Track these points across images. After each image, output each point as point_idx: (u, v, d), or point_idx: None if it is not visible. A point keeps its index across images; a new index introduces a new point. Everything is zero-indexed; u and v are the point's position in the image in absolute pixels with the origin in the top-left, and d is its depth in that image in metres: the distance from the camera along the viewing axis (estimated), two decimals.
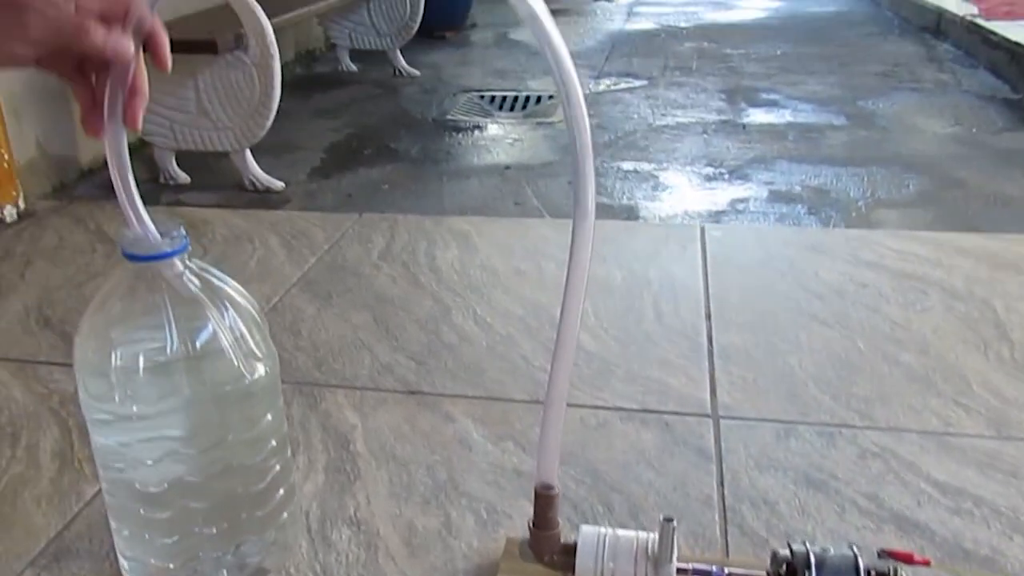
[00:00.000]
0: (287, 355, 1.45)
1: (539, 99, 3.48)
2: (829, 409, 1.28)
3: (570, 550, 0.90)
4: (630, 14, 5.88)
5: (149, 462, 0.88)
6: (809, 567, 0.83)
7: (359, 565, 0.99)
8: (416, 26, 3.91)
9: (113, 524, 0.93)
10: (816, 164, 2.62)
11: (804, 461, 1.16)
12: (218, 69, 2.34)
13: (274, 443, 0.95)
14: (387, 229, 1.99)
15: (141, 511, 0.89)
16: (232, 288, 0.90)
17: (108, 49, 0.69)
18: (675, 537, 0.86)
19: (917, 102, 3.32)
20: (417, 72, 4.00)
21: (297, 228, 2.00)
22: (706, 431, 1.23)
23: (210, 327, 0.86)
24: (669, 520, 0.85)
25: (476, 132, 3.11)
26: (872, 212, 2.22)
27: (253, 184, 2.45)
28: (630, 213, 2.29)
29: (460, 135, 3.07)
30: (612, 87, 3.72)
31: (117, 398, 0.84)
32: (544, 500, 0.90)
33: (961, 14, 4.30)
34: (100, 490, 1.05)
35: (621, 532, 0.91)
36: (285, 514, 0.98)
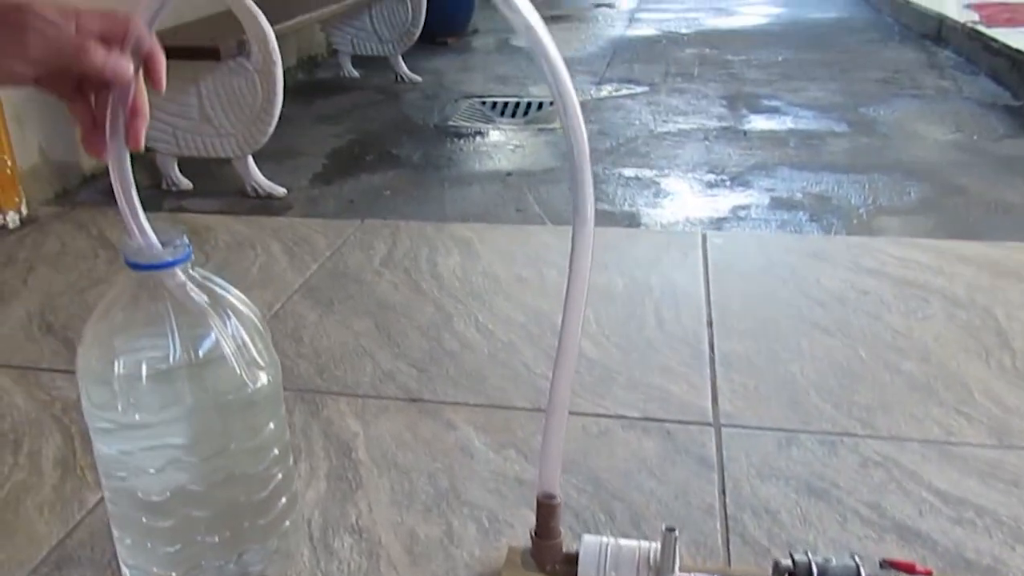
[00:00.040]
0: (289, 362, 1.45)
1: (540, 105, 3.48)
2: (831, 417, 1.28)
3: (572, 560, 0.90)
4: (631, 20, 5.89)
5: (152, 471, 0.88)
6: None
7: (361, 573, 1.00)
8: (418, 32, 3.92)
9: (115, 532, 0.93)
10: (817, 171, 2.62)
11: (806, 470, 1.16)
12: (221, 75, 2.35)
13: (276, 451, 0.95)
14: (389, 236, 1.99)
15: (143, 520, 0.89)
16: (234, 296, 0.90)
17: (108, 70, 0.69)
18: (677, 547, 0.86)
19: (918, 109, 3.32)
20: (419, 78, 4.00)
21: (299, 234, 2.01)
22: (708, 439, 1.23)
23: (213, 336, 0.86)
24: (671, 530, 0.85)
25: (478, 138, 3.11)
26: (873, 219, 2.22)
27: (255, 190, 2.45)
28: (632, 220, 2.29)
29: (462, 141, 3.08)
30: (614, 93, 3.72)
31: (120, 407, 0.84)
32: (546, 509, 0.90)
33: (962, 21, 4.31)
34: (102, 498, 1.05)
35: (623, 542, 0.91)
36: (287, 522, 0.98)
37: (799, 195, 2.42)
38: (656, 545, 0.88)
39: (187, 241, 0.84)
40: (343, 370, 1.44)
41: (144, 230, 0.80)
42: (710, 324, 1.56)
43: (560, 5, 6.79)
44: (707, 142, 2.97)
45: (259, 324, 0.91)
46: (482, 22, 5.52)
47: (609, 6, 6.67)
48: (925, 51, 4.42)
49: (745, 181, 2.56)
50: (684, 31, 5.34)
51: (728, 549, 1.03)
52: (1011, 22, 4.17)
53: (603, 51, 4.71)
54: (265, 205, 2.41)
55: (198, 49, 2.25)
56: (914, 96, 3.52)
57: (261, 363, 0.90)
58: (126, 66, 0.71)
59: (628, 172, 2.68)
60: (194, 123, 2.41)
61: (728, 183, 2.55)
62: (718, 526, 1.06)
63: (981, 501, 1.09)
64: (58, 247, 1.95)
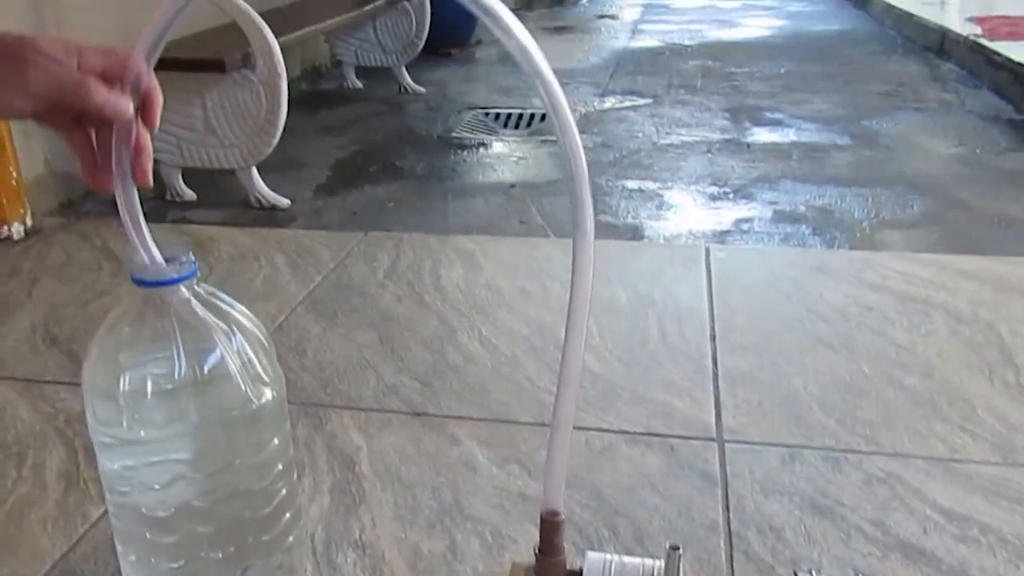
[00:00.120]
0: (292, 375, 1.45)
1: (544, 117, 3.49)
2: (834, 433, 1.28)
3: None
4: (634, 31, 5.90)
5: (156, 486, 0.88)
6: None
7: None
8: (422, 43, 3.93)
9: (119, 548, 0.93)
10: (820, 184, 2.62)
11: (810, 486, 1.16)
12: (225, 87, 2.36)
13: (280, 467, 0.95)
14: (392, 248, 2.00)
15: (147, 535, 0.89)
16: (240, 312, 0.90)
17: (108, 109, 0.70)
18: (681, 565, 0.86)
19: (921, 122, 3.32)
20: (422, 89, 4.01)
21: (303, 246, 2.01)
22: (711, 455, 1.23)
23: (218, 352, 0.86)
24: (676, 548, 0.85)
25: (481, 150, 3.12)
26: (876, 233, 2.22)
27: (259, 201, 2.46)
28: (635, 232, 2.29)
29: (465, 153, 3.08)
30: (617, 105, 3.73)
31: (125, 423, 0.84)
32: (550, 526, 0.90)
33: (964, 34, 4.31)
34: (106, 512, 1.05)
35: (627, 559, 0.91)
36: (291, 538, 0.98)
37: (802, 208, 2.43)
38: (660, 563, 0.88)
39: (193, 257, 0.84)
40: (347, 383, 1.44)
41: (149, 247, 0.81)
42: (713, 338, 1.56)
43: (563, 16, 6.82)
44: (710, 154, 2.98)
45: (264, 340, 0.91)
46: (485, 33, 5.52)
47: (612, 18, 6.69)
48: (928, 64, 4.43)
49: (748, 194, 2.56)
50: (687, 43, 5.35)
51: (732, 566, 1.02)
52: (1013, 36, 4.18)
53: (606, 63, 4.72)
54: (269, 216, 2.41)
55: (203, 61, 2.26)
56: (917, 109, 3.52)
57: (266, 379, 0.90)
58: (126, 105, 0.71)
59: (631, 184, 2.68)
60: (199, 134, 2.41)
61: (731, 196, 2.56)
62: (722, 543, 1.06)
63: (985, 519, 1.09)
64: (62, 258, 1.95)
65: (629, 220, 2.38)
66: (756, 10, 6.96)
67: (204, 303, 0.86)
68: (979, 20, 4.73)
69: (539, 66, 0.72)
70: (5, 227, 2.06)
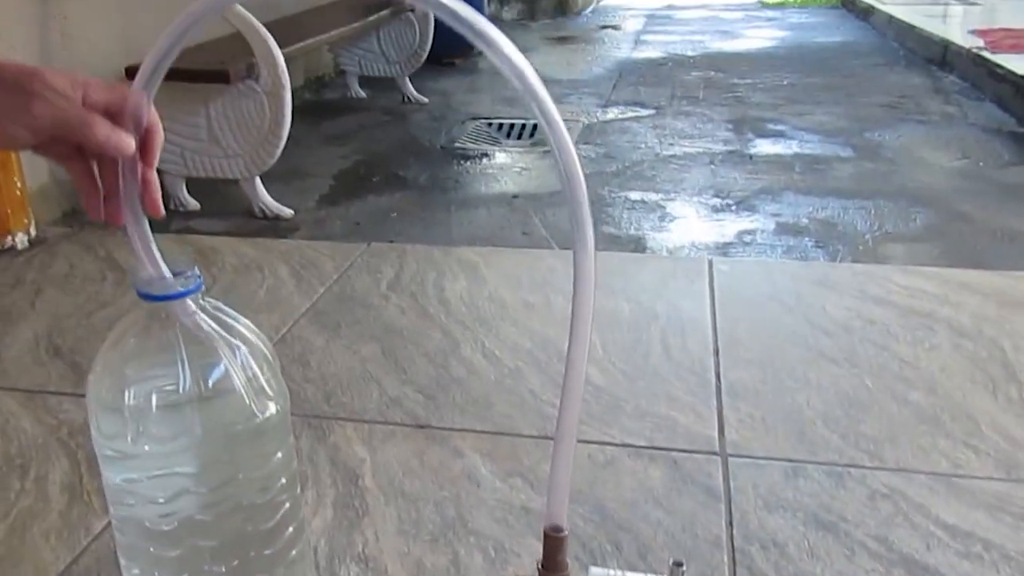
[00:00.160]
0: (296, 387, 1.45)
1: None
2: (838, 448, 1.28)
3: None
4: (637, 42, 5.92)
5: (160, 500, 0.88)
6: None
7: None
8: (425, 53, 3.95)
9: (123, 561, 0.93)
10: (823, 196, 2.63)
11: (813, 502, 1.16)
12: (230, 98, 2.36)
13: (284, 480, 0.95)
14: (396, 259, 2.00)
15: (151, 549, 0.89)
16: (244, 326, 0.91)
17: (110, 146, 0.71)
18: None
19: (923, 134, 3.33)
20: (425, 99, 4.02)
21: (306, 257, 2.01)
22: (714, 470, 1.23)
23: (222, 366, 0.86)
24: (679, 564, 0.85)
25: (484, 160, 3.12)
26: (879, 246, 2.22)
27: (262, 211, 2.46)
28: (637, 244, 2.30)
29: (468, 163, 3.09)
30: (619, 116, 3.74)
31: (130, 437, 0.84)
32: (553, 542, 0.90)
33: (967, 46, 4.32)
34: (109, 524, 1.05)
35: (630, 575, 0.91)
36: (294, 551, 0.98)
37: (805, 220, 2.43)
38: None
39: (198, 272, 0.84)
40: (350, 395, 1.44)
41: (156, 261, 0.81)
42: (716, 352, 1.56)
43: (566, 27, 6.83)
44: (713, 166, 2.98)
45: (268, 354, 0.91)
46: None
47: (615, 28, 6.71)
48: (930, 76, 4.44)
49: (751, 206, 2.57)
50: (690, 54, 5.36)
51: None
52: (1016, 48, 4.19)
53: (609, 73, 4.73)
54: (272, 226, 2.42)
55: (208, 72, 2.27)
56: (919, 121, 3.53)
57: (270, 393, 0.90)
58: (128, 142, 0.72)
59: (634, 195, 2.69)
60: (203, 144, 2.42)
61: (734, 208, 2.56)
62: (725, 558, 1.06)
63: (989, 535, 1.09)
64: (66, 268, 1.96)
65: (632, 232, 2.38)
66: (758, 21, 6.98)
67: (209, 317, 0.87)
68: (981, 33, 4.74)
69: (535, 88, 0.71)
70: (9, 237, 2.07)
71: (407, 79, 4.02)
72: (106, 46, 2.58)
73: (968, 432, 1.30)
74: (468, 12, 0.65)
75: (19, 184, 2.10)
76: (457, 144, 3.33)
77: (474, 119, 3.67)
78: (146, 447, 0.84)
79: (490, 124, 3.58)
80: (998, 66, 3.82)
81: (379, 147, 3.31)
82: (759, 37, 6.06)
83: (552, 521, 0.89)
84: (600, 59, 5.25)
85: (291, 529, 0.97)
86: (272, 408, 0.90)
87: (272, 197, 2.50)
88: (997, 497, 1.16)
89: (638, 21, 7.15)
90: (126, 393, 0.84)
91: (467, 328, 1.66)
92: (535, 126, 3.51)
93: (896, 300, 1.74)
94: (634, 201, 2.64)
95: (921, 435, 1.30)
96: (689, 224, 2.45)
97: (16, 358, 1.57)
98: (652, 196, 2.68)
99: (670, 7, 8.22)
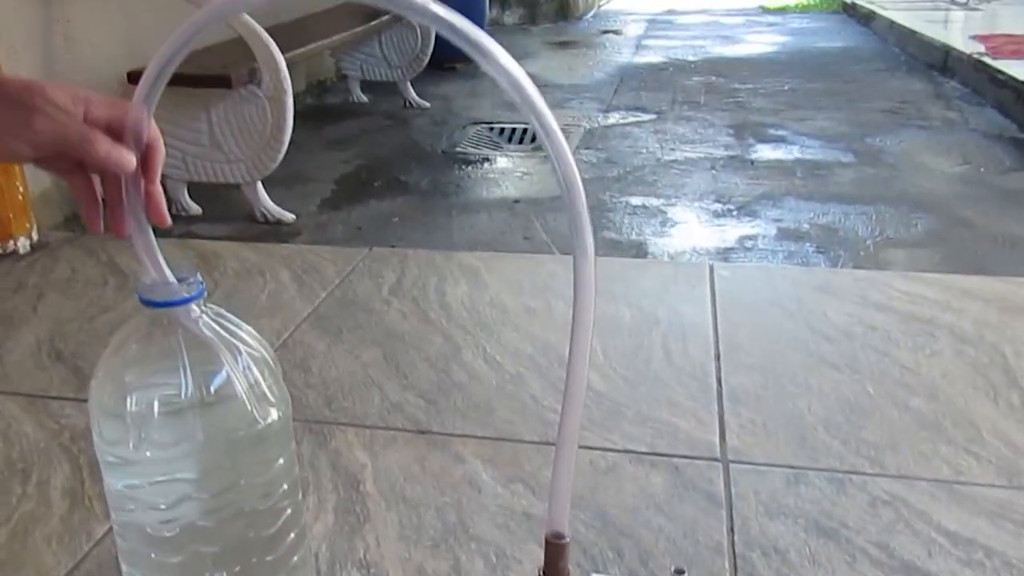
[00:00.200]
0: (297, 392, 1.45)
1: None
2: (839, 455, 1.28)
3: None
4: (638, 47, 5.93)
5: (161, 506, 0.88)
6: None
7: None
8: (427, 58, 3.95)
9: (124, 567, 0.93)
10: (824, 201, 2.63)
11: (814, 508, 1.16)
12: (231, 103, 2.37)
13: (286, 486, 0.95)
14: (397, 264, 2.00)
15: (152, 555, 0.89)
16: (246, 332, 0.91)
17: (111, 162, 0.71)
18: None
19: (925, 140, 3.33)
20: (427, 103, 4.03)
21: (308, 262, 2.02)
22: (716, 476, 1.23)
23: (224, 372, 0.86)
24: (680, 572, 0.85)
25: (485, 165, 3.13)
26: (880, 251, 2.23)
27: (264, 216, 2.47)
28: (638, 249, 2.30)
29: (469, 168, 3.09)
30: (621, 121, 3.74)
31: (132, 443, 0.84)
32: (555, 549, 0.90)
33: (968, 52, 4.33)
34: (110, 529, 1.06)
35: None
36: (296, 557, 0.98)
37: (806, 226, 2.43)
38: None
39: (200, 278, 0.84)
40: (351, 401, 1.44)
41: (160, 267, 0.81)
42: (718, 358, 1.56)
43: (568, 31, 6.85)
44: (714, 171, 2.99)
45: (270, 360, 0.91)
46: None
47: (616, 33, 6.72)
48: (931, 81, 4.44)
49: (752, 211, 2.57)
50: (691, 59, 5.37)
51: None
52: (1017, 54, 4.20)
53: (610, 78, 4.74)
54: (274, 231, 2.42)
55: (210, 77, 2.28)
56: (920, 127, 3.53)
57: (272, 399, 0.90)
58: (128, 159, 0.72)
59: (635, 201, 2.69)
60: (204, 149, 2.42)
61: (735, 213, 2.56)
62: (727, 565, 1.06)
63: (991, 543, 1.09)
64: (68, 273, 1.96)
65: (633, 237, 2.38)
66: (759, 26, 6.99)
67: (211, 323, 0.87)
68: (983, 38, 4.75)
69: (533, 100, 0.71)
70: (11, 241, 2.07)
71: (409, 84, 4.02)
72: (109, 50, 2.59)
73: (969, 439, 1.30)
74: (464, 24, 0.65)
75: (21, 188, 2.10)
76: (458, 149, 3.34)
77: (475, 124, 3.68)
78: (148, 453, 0.84)
79: (491, 129, 3.59)
80: (999, 72, 3.83)
81: (381, 151, 3.32)
82: (760, 42, 6.06)
83: (553, 528, 0.89)
84: (601, 64, 5.26)
85: (293, 535, 0.97)
86: (274, 414, 0.90)
87: (274, 202, 2.50)
88: (999, 504, 1.16)
89: (639, 26, 7.16)
90: (128, 399, 0.84)
91: (468, 333, 1.67)
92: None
93: (897, 306, 1.74)
94: (635, 206, 2.64)
95: (922, 441, 1.30)
96: (690, 229, 2.45)
97: (18, 362, 1.57)
98: (653, 201, 2.69)
99: (671, 12, 8.24)
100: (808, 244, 2.30)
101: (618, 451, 1.29)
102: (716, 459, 1.27)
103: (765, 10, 8.26)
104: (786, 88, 4.37)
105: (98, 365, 0.86)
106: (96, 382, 0.86)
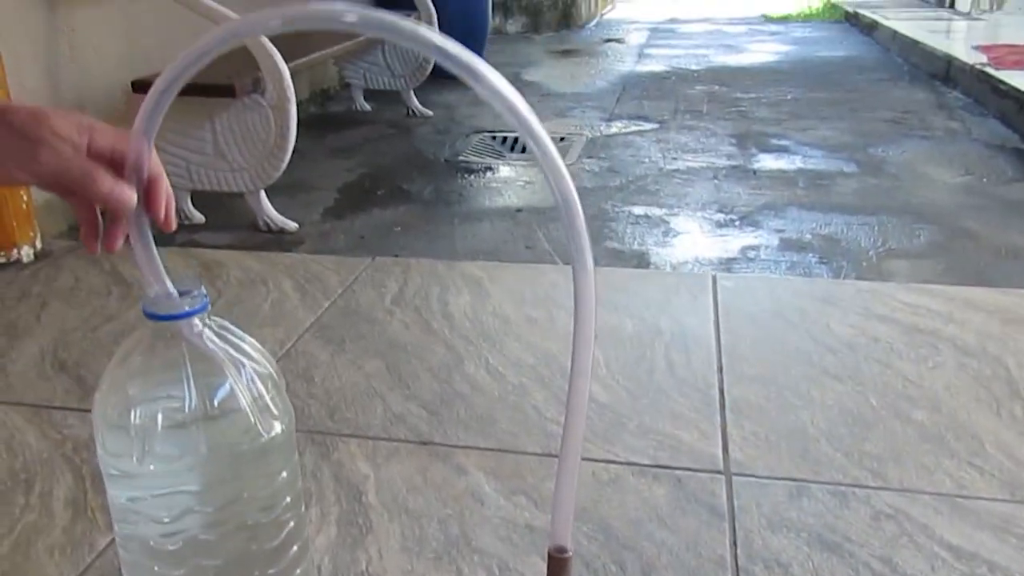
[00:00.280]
0: (300, 402, 1.46)
1: None
2: (842, 467, 1.27)
3: None
4: (641, 56, 5.94)
5: (165, 519, 0.88)
6: None
7: None
8: (430, 67, 3.96)
9: None
10: (827, 212, 2.63)
11: (817, 522, 1.16)
12: (235, 112, 2.37)
13: (289, 499, 0.95)
14: (400, 274, 2.00)
15: (155, 568, 0.89)
16: (249, 345, 0.91)
17: (112, 200, 0.71)
18: None
19: (927, 150, 3.33)
20: (430, 112, 4.04)
21: (311, 271, 2.02)
22: (719, 488, 1.23)
23: (228, 385, 0.86)
24: None
25: (488, 174, 3.13)
26: (883, 262, 2.23)
27: (267, 225, 2.47)
28: (641, 259, 2.30)
29: (472, 176, 3.10)
30: (623, 130, 3.75)
31: (135, 456, 0.84)
32: (557, 563, 0.90)
33: (971, 62, 4.33)
34: (113, 541, 1.06)
35: None
36: (298, 571, 0.98)
37: (808, 236, 2.43)
38: None
39: (204, 291, 0.85)
40: (354, 411, 1.44)
41: (163, 281, 0.81)
42: (720, 369, 1.56)
43: (570, 40, 6.86)
44: (716, 181, 2.99)
45: (274, 373, 0.91)
46: (493, 56, 5.56)
47: (619, 41, 6.74)
48: (934, 91, 4.45)
49: (755, 221, 2.57)
50: (693, 68, 5.38)
51: None
52: (1019, 65, 4.20)
53: (613, 87, 4.75)
54: (277, 239, 2.42)
55: (214, 86, 2.28)
56: (923, 137, 3.53)
57: (275, 412, 0.90)
58: (130, 196, 0.72)
59: (637, 210, 2.69)
60: (208, 158, 2.43)
61: (737, 223, 2.56)
62: None
63: (994, 557, 1.08)
64: (71, 282, 1.96)
65: (635, 247, 2.38)
66: (762, 35, 7.00)
67: (214, 335, 0.87)
68: (985, 49, 4.76)
69: (529, 122, 0.71)
70: (15, 250, 2.07)
71: (412, 92, 4.03)
72: (113, 59, 2.60)
73: (972, 452, 1.30)
74: (456, 48, 0.65)
75: (25, 197, 2.11)
76: (461, 157, 3.34)
77: (478, 132, 3.68)
78: (151, 466, 0.85)
79: (494, 137, 3.59)
80: (1001, 82, 3.83)
81: (384, 160, 3.32)
82: (763, 51, 6.08)
83: (556, 542, 0.89)
84: (604, 72, 5.27)
85: (295, 548, 0.97)
86: (277, 427, 0.90)
87: (277, 210, 2.50)
88: (1002, 518, 1.16)
89: (642, 35, 7.18)
90: (132, 412, 0.84)
91: (471, 343, 1.67)
92: None
93: (900, 318, 1.74)
94: (638, 216, 2.64)
95: (925, 454, 1.30)
96: (693, 239, 2.45)
97: (21, 372, 1.57)
98: (656, 211, 2.69)
99: (674, 21, 8.26)
100: (811, 254, 2.30)
101: (621, 463, 1.29)
102: (719, 472, 1.27)
103: (767, 19, 8.27)
104: (788, 97, 4.38)
105: (102, 377, 0.86)
106: (100, 395, 0.86)
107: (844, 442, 1.34)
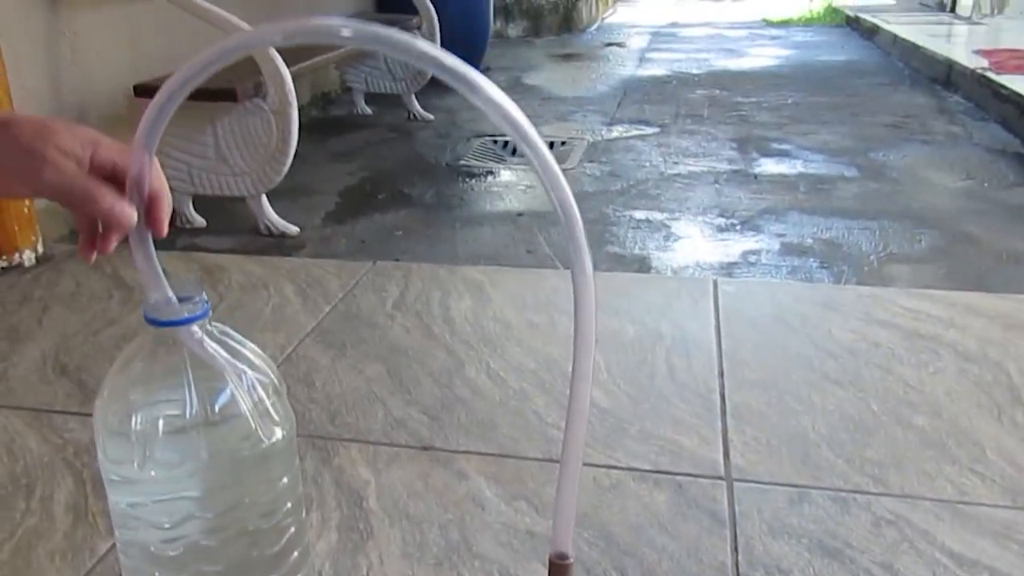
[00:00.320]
0: (301, 407, 1.46)
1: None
2: (843, 473, 1.27)
3: None
4: (642, 59, 5.94)
5: (165, 525, 0.88)
6: None
7: None
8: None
9: None
10: (828, 216, 2.63)
11: (818, 528, 1.16)
12: (237, 116, 2.38)
13: (289, 505, 0.95)
14: (401, 278, 2.00)
15: (156, 574, 0.89)
16: (250, 351, 0.91)
17: (113, 218, 0.72)
18: None
19: (928, 155, 3.34)
20: (431, 116, 4.04)
21: (312, 276, 2.02)
22: (720, 494, 1.23)
23: (229, 391, 0.86)
24: None
25: (489, 178, 3.13)
26: (884, 267, 2.23)
27: (268, 229, 2.47)
28: (642, 263, 2.30)
29: (473, 181, 3.10)
30: (624, 134, 3.75)
31: (136, 462, 0.84)
32: (558, 570, 0.90)
33: (971, 67, 4.34)
34: (113, 546, 1.06)
35: None
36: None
37: (809, 241, 2.43)
38: None
39: (205, 297, 0.85)
40: (355, 416, 1.44)
41: (163, 287, 0.81)
42: (721, 374, 1.56)
43: (571, 44, 6.87)
44: (717, 185, 2.99)
45: (275, 378, 0.91)
46: (494, 60, 5.57)
47: (620, 45, 6.74)
48: (935, 96, 4.45)
49: (756, 226, 2.57)
50: (694, 72, 5.38)
51: None
52: (1020, 69, 4.20)
53: (614, 91, 4.75)
54: (278, 244, 2.43)
55: (215, 90, 2.29)
56: (924, 141, 3.54)
57: (276, 418, 0.90)
58: (131, 215, 0.73)
59: (639, 215, 2.69)
60: (210, 162, 2.43)
61: (738, 227, 2.57)
62: None
63: (996, 564, 1.08)
64: (73, 286, 1.96)
65: (636, 251, 2.39)
66: (763, 40, 7.01)
67: (216, 342, 0.87)
68: (986, 53, 4.76)
69: (527, 131, 0.71)
70: (16, 254, 2.07)
71: (413, 96, 4.04)
72: (115, 63, 2.60)
73: (974, 458, 1.30)
74: (451, 59, 0.66)
75: (27, 201, 2.11)
76: (462, 161, 3.34)
77: (479, 136, 3.69)
78: (152, 472, 0.85)
79: (495, 141, 3.60)
80: (1002, 87, 3.84)
81: (385, 164, 3.33)
82: (763, 56, 6.08)
83: (557, 548, 0.89)
84: (605, 76, 5.28)
85: (296, 553, 0.97)
86: (278, 433, 0.90)
87: (278, 214, 2.51)
88: (1004, 525, 1.16)
89: (643, 39, 7.19)
90: (133, 418, 0.84)
91: (472, 348, 1.67)
92: None
93: (901, 323, 1.74)
94: (639, 220, 2.64)
95: (926, 460, 1.30)
96: (694, 244, 2.45)
97: (23, 376, 1.57)
98: (657, 215, 2.69)
99: (675, 25, 8.27)
100: (812, 259, 2.30)
101: (621, 468, 1.29)
102: (720, 477, 1.27)
103: (768, 23, 8.28)
104: (789, 102, 4.38)
105: (103, 384, 0.86)
106: (101, 401, 0.86)
107: (845, 448, 1.34)
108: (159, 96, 0.71)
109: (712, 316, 1.80)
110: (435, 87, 4.05)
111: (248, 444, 0.88)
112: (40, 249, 2.13)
